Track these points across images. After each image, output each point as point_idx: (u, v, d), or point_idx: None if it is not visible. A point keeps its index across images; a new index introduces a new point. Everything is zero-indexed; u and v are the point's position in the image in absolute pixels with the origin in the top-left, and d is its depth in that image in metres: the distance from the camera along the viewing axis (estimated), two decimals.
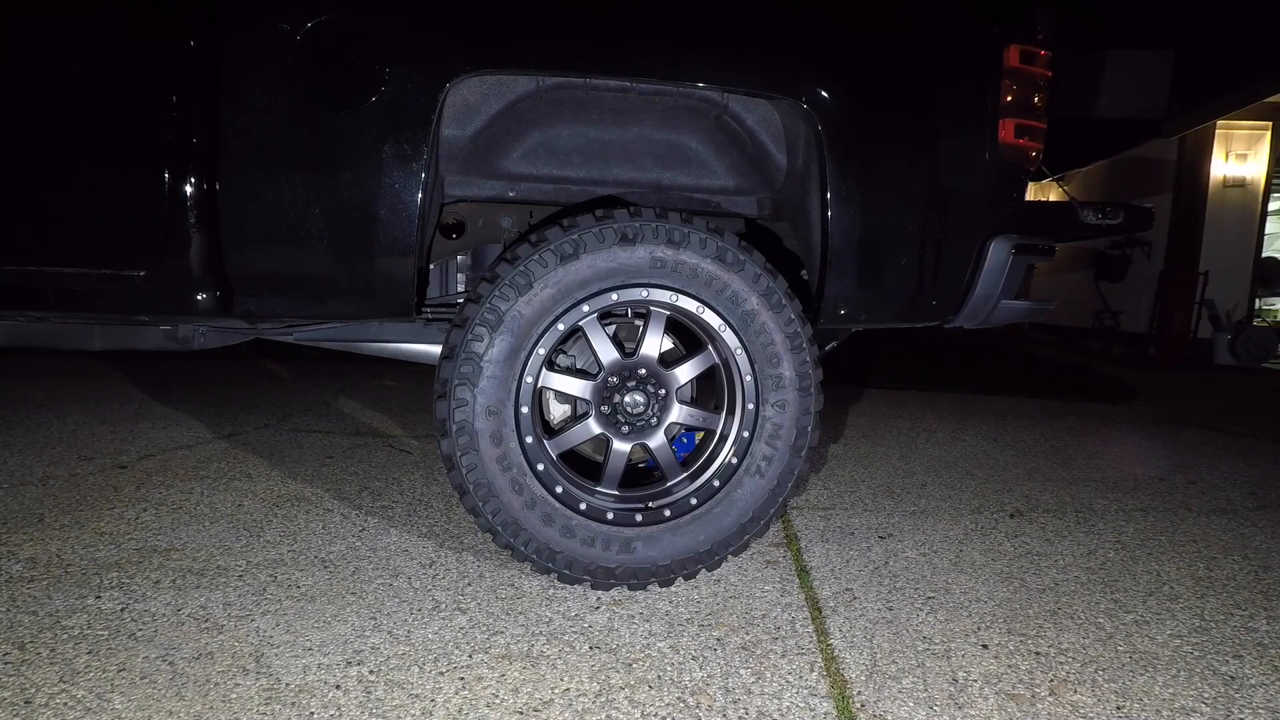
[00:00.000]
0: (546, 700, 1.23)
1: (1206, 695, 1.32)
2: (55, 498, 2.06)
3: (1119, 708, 1.27)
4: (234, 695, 1.20)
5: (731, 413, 1.70)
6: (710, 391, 1.89)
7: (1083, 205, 1.99)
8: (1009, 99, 1.79)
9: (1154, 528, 2.20)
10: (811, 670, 1.35)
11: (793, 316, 1.64)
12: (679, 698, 1.25)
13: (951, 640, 1.48)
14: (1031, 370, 6.60)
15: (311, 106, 1.49)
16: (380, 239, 1.53)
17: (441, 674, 1.29)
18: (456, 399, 1.53)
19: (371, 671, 1.29)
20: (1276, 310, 9.29)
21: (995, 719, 1.23)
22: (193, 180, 1.45)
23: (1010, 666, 1.39)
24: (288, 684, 1.24)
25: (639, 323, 1.76)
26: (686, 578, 1.67)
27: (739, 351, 1.64)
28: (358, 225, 1.52)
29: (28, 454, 2.46)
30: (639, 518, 1.63)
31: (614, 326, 1.85)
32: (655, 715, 1.20)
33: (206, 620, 1.44)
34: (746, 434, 1.67)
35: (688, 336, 1.80)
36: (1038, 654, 1.44)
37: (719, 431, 1.72)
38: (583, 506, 1.62)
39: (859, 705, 1.25)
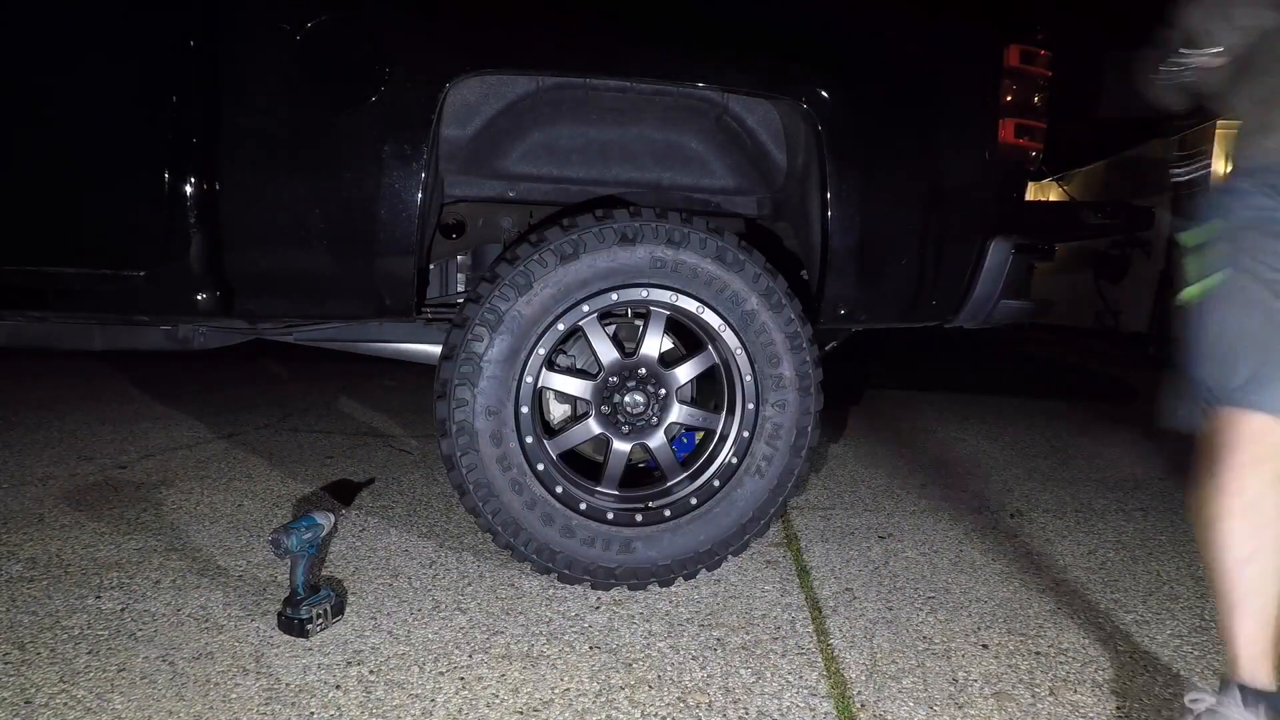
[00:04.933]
0: (546, 700, 1.23)
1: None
2: (55, 498, 2.06)
3: (1119, 708, 1.27)
4: (234, 695, 1.20)
5: (731, 413, 1.70)
6: (710, 391, 1.89)
7: (1083, 205, 1.99)
8: (1009, 99, 1.79)
9: (1154, 528, 2.19)
10: (811, 670, 1.35)
11: (793, 316, 1.64)
12: (679, 698, 1.25)
13: (951, 640, 1.48)
14: (1031, 370, 6.59)
15: (311, 106, 1.49)
16: (380, 239, 1.53)
17: (441, 674, 1.29)
18: (456, 399, 1.53)
19: (371, 671, 1.29)
20: None
21: (995, 719, 1.23)
22: (193, 180, 1.45)
23: (1010, 666, 1.39)
24: (288, 684, 1.24)
25: (639, 323, 1.76)
26: (686, 578, 1.67)
27: (739, 351, 1.64)
28: (357, 225, 1.52)
29: (28, 454, 2.46)
30: (639, 518, 1.63)
31: (614, 326, 1.85)
32: (655, 715, 1.20)
33: (206, 620, 1.44)
34: (746, 434, 1.67)
35: (688, 336, 1.80)
36: (1038, 654, 1.44)
37: (719, 431, 1.72)
38: (583, 506, 1.61)
39: (859, 705, 1.25)
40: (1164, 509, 2.38)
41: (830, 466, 2.71)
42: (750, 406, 1.66)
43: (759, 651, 1.41)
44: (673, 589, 1.66)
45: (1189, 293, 1.17)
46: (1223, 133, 8.21)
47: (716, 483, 1.67)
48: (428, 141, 1.51)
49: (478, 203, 2.00)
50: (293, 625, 1.37)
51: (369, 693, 1.23)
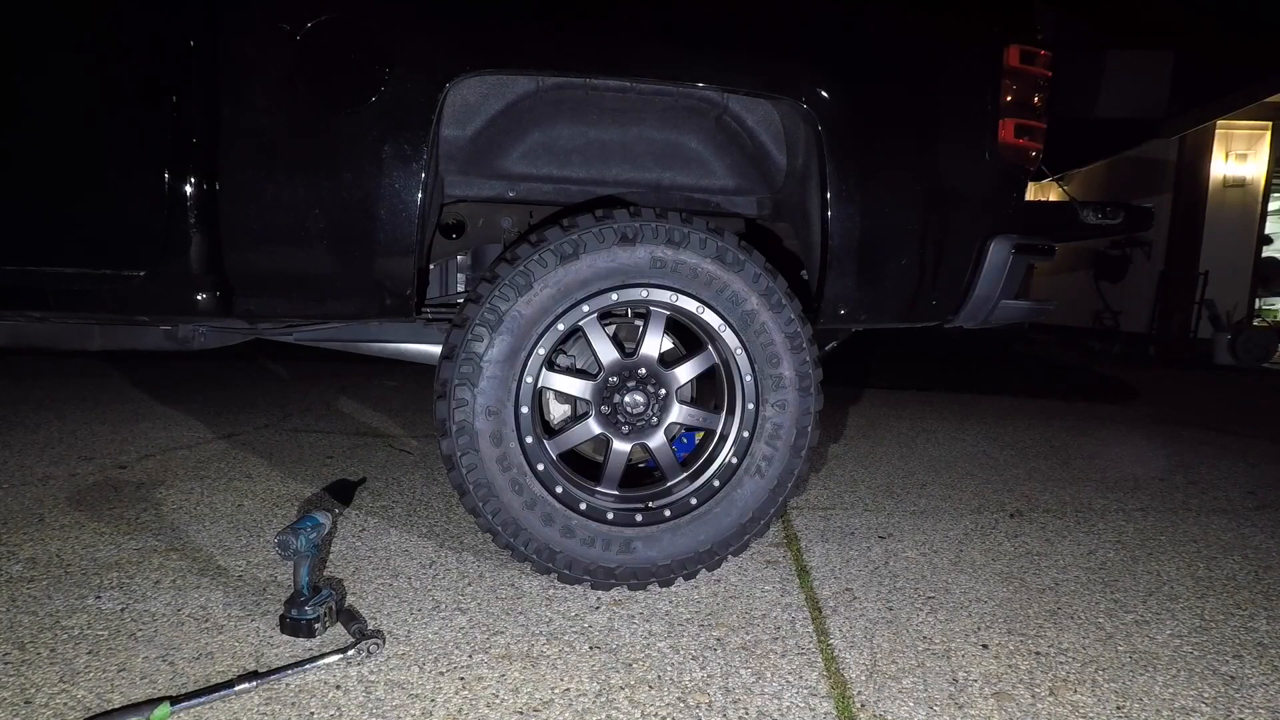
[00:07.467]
0: (546, 700, 1.23)
1: (1206, 695, 1.32)
2: (55, 498, 2.06)
3: (1119, 708, 1.27)
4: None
5: (731, 413, 1.70)
6: (710, 391, 1.89)
7: (1083, 205, 1.99)
8: (1009, 99, 1.79)
9: (1154, 528, 2.20)
10: (811, 670, 1.35)
11: (793, 316, 1.64)
12: (679, 698, 1.25)
13: (951, 640, 1.48)
14: (1031, 370, 6.60)
15: (311, 106, 1.49)
16: (380, 239, 1.53)
17: (441, 674, 1.29)
18: (456, 399, 1.53)
19: (371, 671, 1.29)
20: (1276, 310, 9.30)
21: (995, 719, 1.23)
22: (193, 180, 1.45)
23: (1010, 666, 1.39)
24: (288, 684, 1.24)
25: (639, 323, 1.76)
26: (686, 578, 1.67)
27: (739, 351, 1.64)
28: (357, 225, 1.52)
29: (28, 454, 2.46)
30: (639, 518, 1.63)
31: (614, 326, 1.85)
32: (655, 715, 1.20)
33: (206, 620, 1.44)
34: (746, 434, 1.67)
35: (688, 336, 1.80)
36: (1038, 654, 1.44)
37: (719, 431, 1.72)
38: (583, 506, 1.61)
39: (859, 705, 1.25)
40: (1164, 509, 2.38)
41: (830, 466, 2.71)
42: (750, 406, 1.66)
43: (759, 651, 1.41)
44: (673, 589, 1.66)
45: None
46: (1223, 133, 8.25)
47: (716, 483, 1.67)
48: (428, 141, 1.51)
49: (478, 203, 2.01)
50: (299, 626, 1.37)
51: (369, 693, 1.23)
